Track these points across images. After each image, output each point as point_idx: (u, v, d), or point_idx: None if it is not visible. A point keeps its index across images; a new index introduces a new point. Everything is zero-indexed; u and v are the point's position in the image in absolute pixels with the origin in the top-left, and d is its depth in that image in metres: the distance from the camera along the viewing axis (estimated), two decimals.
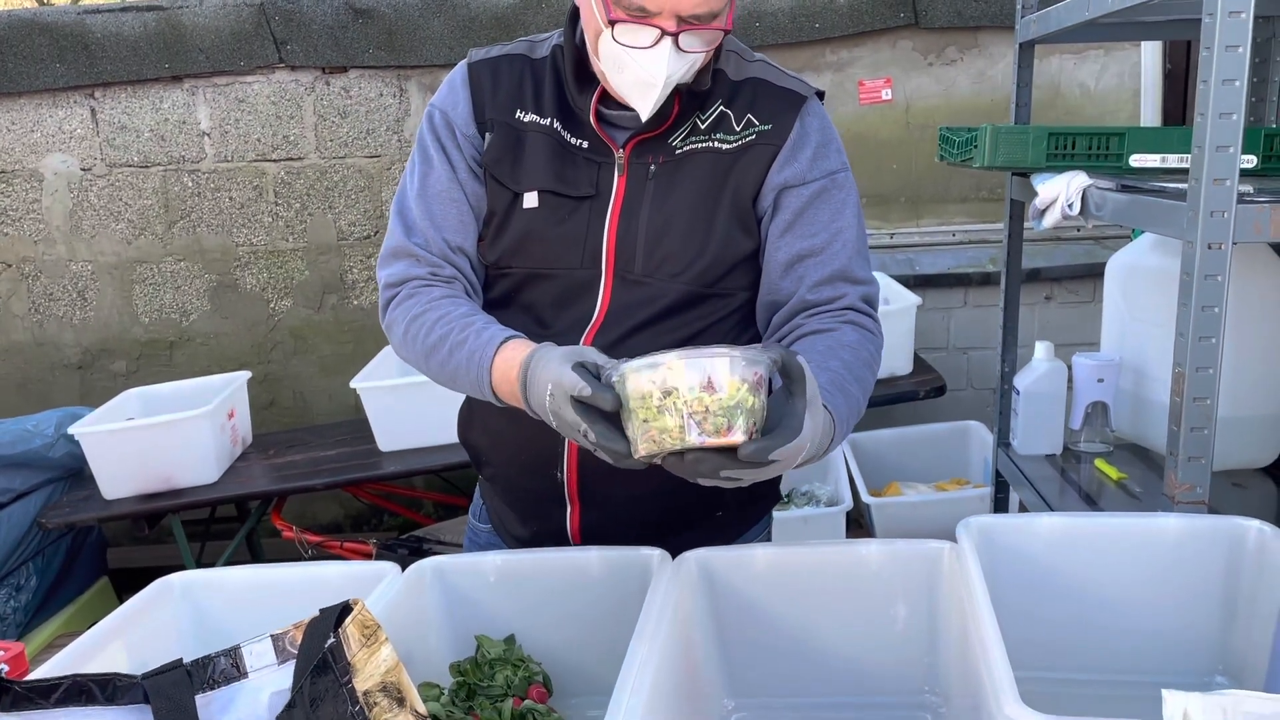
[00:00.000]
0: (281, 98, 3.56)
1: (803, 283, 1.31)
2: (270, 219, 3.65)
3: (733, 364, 1.01)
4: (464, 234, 1.35)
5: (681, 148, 1.32)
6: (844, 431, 1.20)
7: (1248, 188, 1.61)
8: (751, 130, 1.32)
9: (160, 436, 2.71)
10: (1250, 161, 1.65)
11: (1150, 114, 2.54)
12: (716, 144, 1.32)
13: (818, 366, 1.22)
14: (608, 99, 1.31)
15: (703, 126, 1.32)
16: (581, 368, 1.08)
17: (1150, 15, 1.49)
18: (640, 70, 1.22)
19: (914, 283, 3.41)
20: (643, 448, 1.03)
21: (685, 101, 1.31)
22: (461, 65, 1.40)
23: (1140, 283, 2.06)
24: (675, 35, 1.20)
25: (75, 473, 3.07)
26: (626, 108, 1.30)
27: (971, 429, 2.96)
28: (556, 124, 1.33)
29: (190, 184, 3.60)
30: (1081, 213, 1.68)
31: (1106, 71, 3.49)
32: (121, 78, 3.49)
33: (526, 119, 1.34)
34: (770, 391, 1.06)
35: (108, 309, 3.68)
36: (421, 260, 1.34)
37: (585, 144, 1.33)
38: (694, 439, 1.01)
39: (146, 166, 3.59)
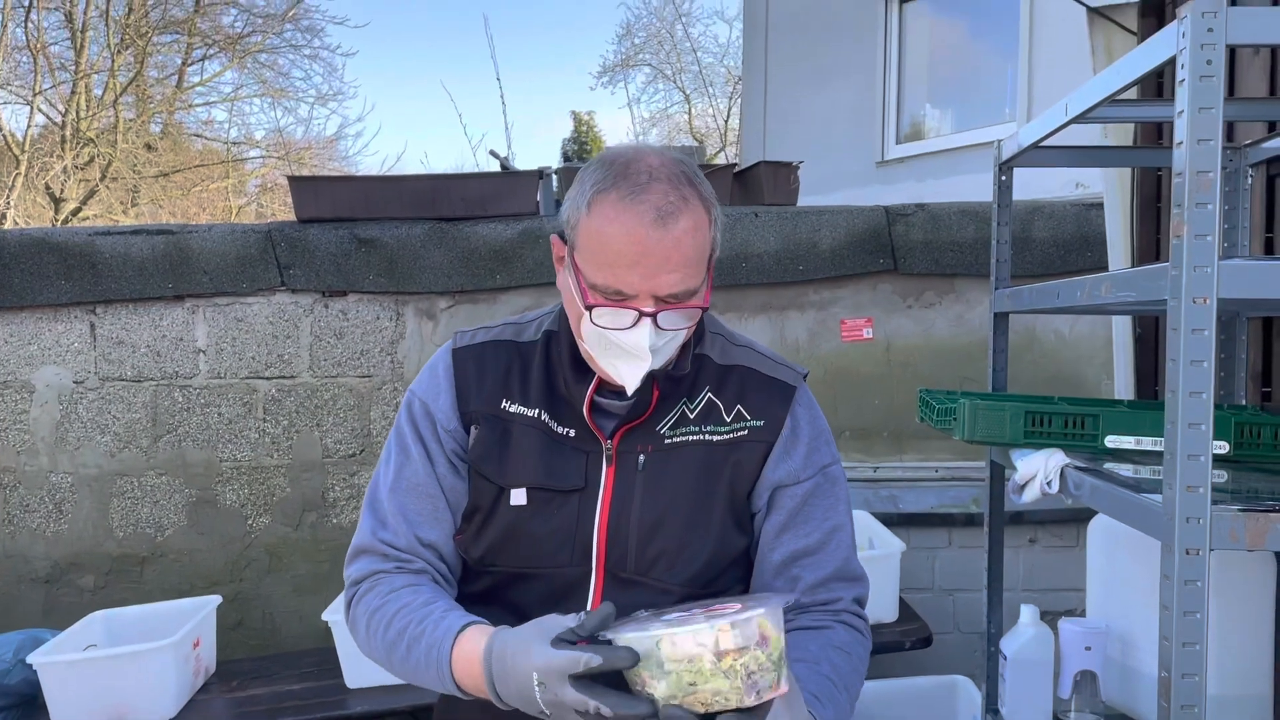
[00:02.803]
0: (280, 318, 3.65)
1: (798, 584, 1.30)
2: (256, 435, 3.66)
3: (770, 613, 1.02)
4: (438, 529, 1.32)
5: (671, 437, 1.30)
6: None
7: (1221, 474, 1.64)
8: (743, 425, 1.32)
9: (121, 668, 2.60)
10: (1222, 448, 1.68)
11: (1123, 376, 2.62)
12: (707, 436, 1.30)
13: (809, 670, 1.21)
14: (603, 387, 1.30)
15: (691, 416, 1.31)
16: (561, 641, 1.05)
17: (1116, 298, 1.55)
18: (624, 348, 1.21)
19: (897, 521, 3.41)
20: (685, 704, 1.01)
21: (665, 386, 1.30)
22: (445, 352, 1.38)
23: (1123, 549, 2.06)
24: (654, 315, 1.20)
25: (30, 699, 2.92)
26: (621, 395, 1.30)
27: (959, 686, 2.88)
28: (544, 415, 1.31)
29: (181, 399, 3.63)
30: (1061, 491, 1.69)
31: (1080, 320, 3.62)
32: (124, 295, 3.58)
33: (513, 409, 1.32)
34: None
35: (83, 522, 3.62)
36: (389, 557, 1.30)
37: (572, 432, 1.30)
38: (751, 700, 1.00)
39: (139, 381, 3.62)
